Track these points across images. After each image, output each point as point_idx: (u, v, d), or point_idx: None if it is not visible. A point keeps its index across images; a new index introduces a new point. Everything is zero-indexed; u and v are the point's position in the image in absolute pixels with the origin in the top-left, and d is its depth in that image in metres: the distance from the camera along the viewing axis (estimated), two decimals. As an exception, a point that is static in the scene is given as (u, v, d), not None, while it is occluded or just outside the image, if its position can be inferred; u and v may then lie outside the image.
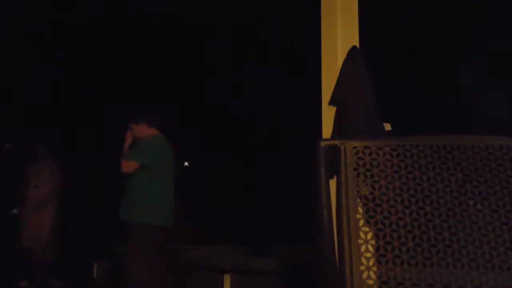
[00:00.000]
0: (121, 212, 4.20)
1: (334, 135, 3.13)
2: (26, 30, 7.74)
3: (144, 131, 4.36)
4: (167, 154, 4.35)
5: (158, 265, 4.15)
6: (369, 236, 1.44)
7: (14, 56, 7.74)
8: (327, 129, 3.22)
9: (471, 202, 1.43)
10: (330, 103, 3.23)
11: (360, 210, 1.47)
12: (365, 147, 1.52)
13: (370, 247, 1.43)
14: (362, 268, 1.40)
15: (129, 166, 4.17)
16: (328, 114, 3.23)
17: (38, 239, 6.18)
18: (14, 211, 6.38)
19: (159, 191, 4.17)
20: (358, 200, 1.48)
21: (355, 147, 1.52)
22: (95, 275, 6.45)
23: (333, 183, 1.53)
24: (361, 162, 1.50)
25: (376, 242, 1.42)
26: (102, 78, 8.27)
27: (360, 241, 1.43)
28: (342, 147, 1.52)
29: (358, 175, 1.49)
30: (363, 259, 1.41)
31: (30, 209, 6.25)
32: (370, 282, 1.40)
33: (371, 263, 1.41)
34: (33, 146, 6.71)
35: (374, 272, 1.40)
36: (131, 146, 4.34)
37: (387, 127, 3.29)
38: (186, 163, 9.48)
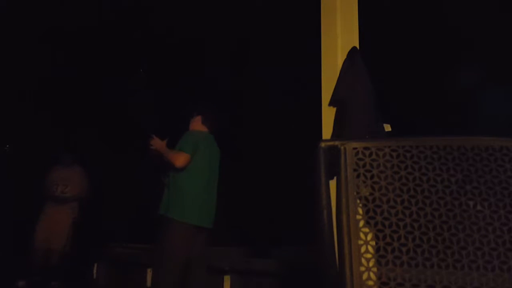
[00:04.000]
0: (160, 206, 4.01)
1: (334, 136, 3.13)
2: (26, 30, 7.74)
3: (197, 125, 4.24)
4: (209, 153, 4.13)
5: (193, 266, 3.99)
6: (369, 237, 1.44)
7: (15, 56, 7.74)
8: (327, 130, 3.22)
9: (471, 203, 1.43)
10: (330, 104, 3.23)
11: (360, 211, 1.47)
12: (365, 148, 1.52)
13: (370, 248, 1.43)
14: (362, 269, 1.40)
15: (182, 158, 3.90)
16: (328, 115, 3.24)
17: (52, 243, 6.18)
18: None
19: (197, 189, 3.97)
20: (358, 201, 1.48)
21: (355, 148, 1.52)
22: (95, 276, 6.45)
23: (333, 184, 1.53)
24: (361, 163, 1.50)
25: (376, 243, 1.41)
26: (102, 80, 8.28)
27: (360, 242, 1.43)
28: (342, 148, 1.52)
29: (358, 176, 1.49)
30: (363, 260, 1.41)
31: (51, 213, 6.24)
32: (370, 283, 1.40)
33: (371, 264, 1.41)
34: (61, 151, 6.68)
35: (374, 273, 1.40)
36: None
37: (387, 128, 3.30)
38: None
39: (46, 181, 6.39)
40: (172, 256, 3.84)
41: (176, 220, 3.86)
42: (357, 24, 3.43)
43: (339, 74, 3.21)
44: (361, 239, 1.43)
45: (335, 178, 1.53)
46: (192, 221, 3.89)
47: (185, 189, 3.95)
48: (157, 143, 4.05)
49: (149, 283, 5.22)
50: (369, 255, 1.41)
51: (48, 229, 6.17)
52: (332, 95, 3.21)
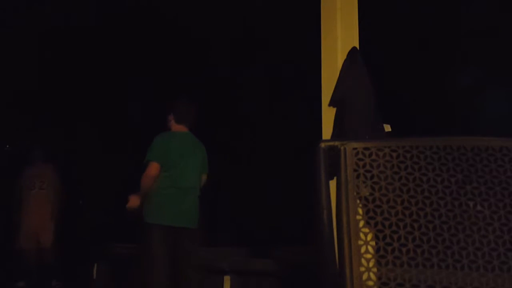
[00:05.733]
0: None
1: (334, 136, 3.13)
2: (26, 30, 7.74)
3: (173, 126, 4.23)
4: (183, 153, 4.11)
5: (182, 266, 3.99)
6: (369, 237, 1.43)
7: (15, 56, 7.74)
8: (327, 130, 3.22)
9: (471, 203, 1.43)
10: (330, 104, 3.24)
11: (360, 211, 1.46)
12: (365, 148, 1.52)
13: (370, 248, 1.42)
14: (362, 269, 1.40)
15: (149, 170, 3.97)
16: (328, 115, 3.24)
17: (40, 241, 6.20)
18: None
19: (168, 191, 3.98)
20: (358, 201, 1.47)
21: (355, 148, 1.52)
22: (94, 275, 6.45)
23: (333, 184, 1.53)
24: (361, 163, 1.50)
25: (376, 243, 1.41)
26: (102, 79, 8.28)
27: (360, 242, 1.43)
28: (342, 148, 1.52)
29: (358, 176, 1.49)
30: (363, 260, 1.41)
31: (34, 210, 6.25)
32: (370, 283, 1.40)
33: (371, 264, 1.41)
34: (30, 149, 6.73)
35: (374, 273, 1.40)
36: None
37: (387, 128, 3.30)
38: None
39: (20, 181, 6.40)
40: (148, 257, 3.89)
41: (149, 223, 3.93)
42: (357, 24, 3.43)
43: (339, 75, 3.21)
44: (361, 239, 1.43)
45: (335, 178, 1.53)
46: (164, 222, 3.92)
47: (158, 192, 3.98)
48: (133, 200, 4.04)
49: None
50: (369, 256, 1.41)
51: (33, 227, 6.18)
52: (332, 95, 3.21)
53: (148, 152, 4.06)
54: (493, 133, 1.52)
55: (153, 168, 3.98)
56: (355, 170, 1.49)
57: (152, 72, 8.21)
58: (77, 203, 7.66)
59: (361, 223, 1.45)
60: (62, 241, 6.42)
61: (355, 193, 1.47)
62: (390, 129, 3.32)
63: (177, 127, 4.24)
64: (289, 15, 6.55)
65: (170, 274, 3.90)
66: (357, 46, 3.35)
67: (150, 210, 3.99)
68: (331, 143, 1.55)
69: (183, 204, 4.02)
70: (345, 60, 3.25)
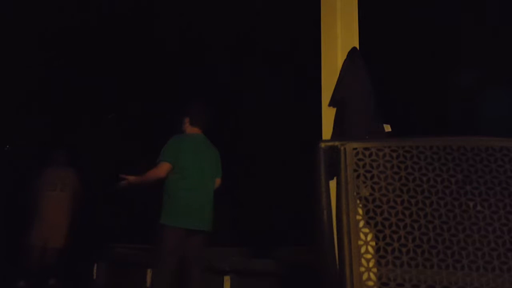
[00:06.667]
0: None
1: (334, 136, 3.13)
2: (29, 30, 7.74)
3: (187, 128, 4.26)
4: (196, 155, 4.11)
5: (190, 266, 4.02)
6: (369, 237, 1.43)
7: (17, 57, 7.75)
8: (327, 130, 3.22)
9: (471, 203, 1.43)
10: (330, 104, 3.23)
11: (360, 211, 1.46)
12: (365, 148, 1.52)
13: (370, 248, 1.42)
14: (362, 269, 1.40)
15: (160, 169, 3.99)
16: (328, 115, 3.24)
17: (50, 241, 6.23)
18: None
19: (183, 194, 3.98)
20: (358, 201, 1.47)
21: (355, 148, 1.52)
22: (95, 275, 6.45)
23: (333, 184, 1.53)
24: (361, 163, 1.50)
25: (376, 243, 1.41)
26: (103, 80, 8.28)
27: (360, 242, 1.43)
28: (342, 148, 1.52)
29: (358, 176, 1.49)
30: (363, 260, 1.41)
31: (52, 212, 6.29)
32: (370, 283, 1.40)
33: (371, 264, 1.41)
34: (54, 151, 6.79)
35: (374, 274, 1.40)
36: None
37: (387, 128, 3.30)
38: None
39: (41, 181, 6.43)
40: (163, 258, 3.91)
41: (165, 225, 3.93)
42: (357, 24, 3.43)
43: (339, 74, 3.21)
44: (361, 239, 1.43)
45: (335, 178, 1.53)
46: (180, 225, 3.93)
47: (171, 194, 3.99)
48: (130, 179, 4.08)
49: (148, 283, 5.24)
50: (369, 256, 1.41)
51: (47, 228, 6.21)
52: (332, 95, 3.21)
53: (161, 153, 4.06)
54: (493, 133, 1.52)
55: (164, 168, 3.99)
56: (355, 170, 1.49)
57: (151, 71, 8.22)
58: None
59: (361, 223, 1.45)
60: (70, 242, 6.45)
61: (355, 193, 1.47)
62: (390, 129, 3.31)
63: (192, 130, 4.26)
64: (288, 15, 6.55)
65: (177, 275, 3.92)
66: (357, 46, 3.34)
67: (163, 212, 4.00)
68: (331, 143, 1.55)
69: (195, 206, 4.02)
70: (345, 60, 3.25)
